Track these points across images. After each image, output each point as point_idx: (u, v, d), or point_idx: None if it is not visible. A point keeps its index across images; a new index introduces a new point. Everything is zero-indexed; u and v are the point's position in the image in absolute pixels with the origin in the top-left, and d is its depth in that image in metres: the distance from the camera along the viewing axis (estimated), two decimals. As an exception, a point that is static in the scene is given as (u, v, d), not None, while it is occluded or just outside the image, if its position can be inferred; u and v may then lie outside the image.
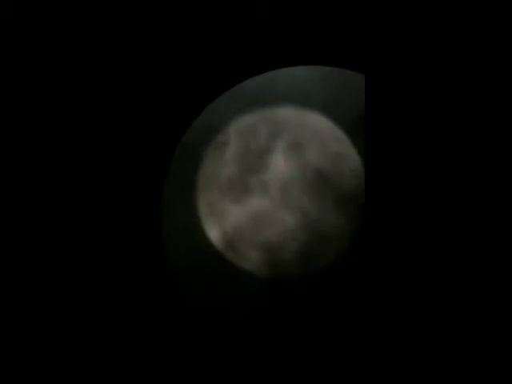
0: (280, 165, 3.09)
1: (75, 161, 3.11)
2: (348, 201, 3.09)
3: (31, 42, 3.17)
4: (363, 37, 2.96)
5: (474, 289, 2.60)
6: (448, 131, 2.66)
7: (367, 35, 2.82)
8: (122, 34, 3.13)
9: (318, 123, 3.13)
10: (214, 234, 3.13)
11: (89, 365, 3.03)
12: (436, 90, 2.67)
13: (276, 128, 3.12)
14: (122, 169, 3.11)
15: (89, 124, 3.12)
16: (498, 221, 2.61)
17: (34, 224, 3.08)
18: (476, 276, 2.60)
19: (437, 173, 2.65)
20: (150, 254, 3.07)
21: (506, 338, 2.57)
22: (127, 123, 3.11)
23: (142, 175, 3.11)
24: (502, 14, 2.66)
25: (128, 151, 3.11)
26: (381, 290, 2.64)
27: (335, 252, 3.10)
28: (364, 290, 2.74)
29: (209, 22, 3.11)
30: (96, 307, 3.06)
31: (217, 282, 3.12)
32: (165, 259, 3.08)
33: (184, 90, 3.13)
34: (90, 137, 3.12)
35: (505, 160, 2.62)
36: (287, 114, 3.13)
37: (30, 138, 3.12)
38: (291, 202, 3.08)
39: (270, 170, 3.10)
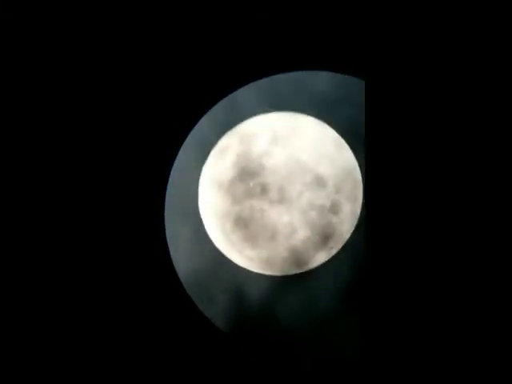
0: (279, 168, 3.11)
1: (78, 158, 3.11)
2: (346, 202, 3.12)
3: (31, 41, 3.15)
4: (363, 43, 2.97)
5: (474, 287, 2.63)
6: (448, 135, 2.68)
7: (367, 41, 2.84)
8: (121, 35, 3.12)
9: (316, 128, 3.15)
10: (216, 236, 3.15)
11: (93, 368, 3.04)
12: (436, 94, 2.69)
13: (275, 133, 3.13)
14: (122, 173, 3.11)
15: (89, 124, 3.12)
16: (497, 220, 2.64)
17: (33, 228, 3.08)
18: (477, 274, 2.63)
19: (436, 176, 2.68)
20: (153, 258, 3.07)
21: (506, 338, 2.60)
22: (131, 125, 3.11)
23: (144, 178, 3.11)
24: (501, 17, 2.68)
25: (130, 155, 3.11)
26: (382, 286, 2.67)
27: (333, 250, 3.13)
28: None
29: (208, 27, 3.11)
30: (100, 312, 3.06)
31: (221, 282, 3.14)
32: (169, 262, 3.09)
33: (181, 94, 3.13)
34: (90, 136, 3.12)
35: (504, 162, 2.65)
36: (285, 119, 3.14)
37: (28, 138, 3.11)
38: (290, 203, 3.10)
39: (270, 174, 3.11)
